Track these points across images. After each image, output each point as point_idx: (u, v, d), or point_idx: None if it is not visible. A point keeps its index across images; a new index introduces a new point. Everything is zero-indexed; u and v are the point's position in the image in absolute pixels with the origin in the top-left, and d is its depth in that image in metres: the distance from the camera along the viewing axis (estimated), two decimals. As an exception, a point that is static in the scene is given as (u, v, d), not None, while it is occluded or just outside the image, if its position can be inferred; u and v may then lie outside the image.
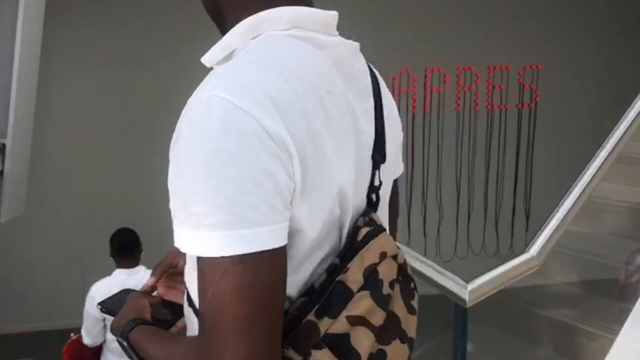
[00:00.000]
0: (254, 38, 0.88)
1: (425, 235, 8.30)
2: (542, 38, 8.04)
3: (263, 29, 0.87)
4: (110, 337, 3.23)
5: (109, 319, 2.47)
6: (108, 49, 6.98)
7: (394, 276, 0.90)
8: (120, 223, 7.47)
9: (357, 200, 0.94)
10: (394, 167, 1.11)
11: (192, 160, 0.77)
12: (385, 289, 0.87)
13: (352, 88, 0.94)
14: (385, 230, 0.94)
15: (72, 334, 3.53)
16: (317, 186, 0.84)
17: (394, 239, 1.10)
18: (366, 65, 1.05)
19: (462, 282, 2.95)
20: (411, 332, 0.94)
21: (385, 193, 1.04)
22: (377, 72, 1.11)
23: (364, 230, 0.90)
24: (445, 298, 3.21)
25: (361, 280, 0.85)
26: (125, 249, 3.59)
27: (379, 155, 0.98)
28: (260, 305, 0.76)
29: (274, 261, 0.78)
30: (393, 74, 7.64)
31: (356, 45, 1.00)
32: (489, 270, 3.43)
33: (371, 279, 0.86)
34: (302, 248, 0.85)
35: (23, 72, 3.59)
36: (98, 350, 3.48)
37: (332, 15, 0.93)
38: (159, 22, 7.04)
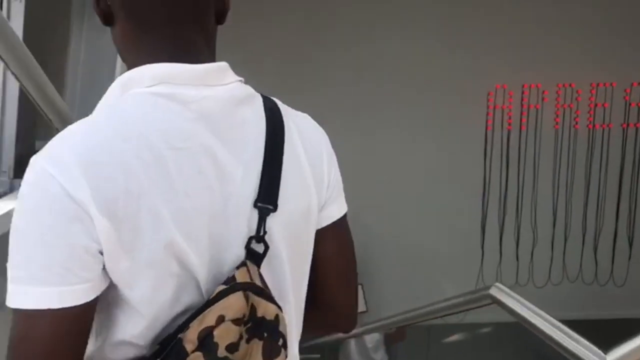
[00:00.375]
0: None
1: (517, 259, 7.94)
2: (653, 53, 7.53)
3: (130, 87, 0.92)
4: None
5: None
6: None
7: (234, 339, 0.86)
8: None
9: (227, 253, 0.94)
10: (310, 214, 1.07)
11: (13, 217, 0.83)
12: (221, 352, 0.85)
13: (226, 139, 0.94)
14: (245, 288, 0.89)
15: None
16: (139, 244, 0.86)
17: (341, 295, 1.19)
18: (260, 112, 1.00)
19: (599, 351, 2.56)
20: None
21: (297, 243, 1.04)
22: (287, 114, 1.05)
23: (219, 288, 0.88)
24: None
25: (196, 341, 0.84)
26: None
27: (266, 203, 0.96)
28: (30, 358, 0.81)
29: (61, 319, 0.82)
30: (488, 89, 7.40)
31: (245, 93, 0.99)
32: (630, 338, 2.95)
33: (207, 341, 0.84)
34: (138, 302, 0.88)
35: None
36: None
37: (211, 68, 0.95)
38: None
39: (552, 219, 7.87)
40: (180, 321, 0.89)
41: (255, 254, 0.96)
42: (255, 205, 0.96)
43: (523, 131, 7.53)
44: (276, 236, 0.99)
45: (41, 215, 0.83)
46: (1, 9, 3.09)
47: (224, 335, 0.85)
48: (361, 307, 6.91)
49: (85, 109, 3.82)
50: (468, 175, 7.66)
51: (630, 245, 8.05)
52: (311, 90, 7.33)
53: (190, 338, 0.84)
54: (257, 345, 0.90)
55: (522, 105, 7.48)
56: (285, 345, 0.92)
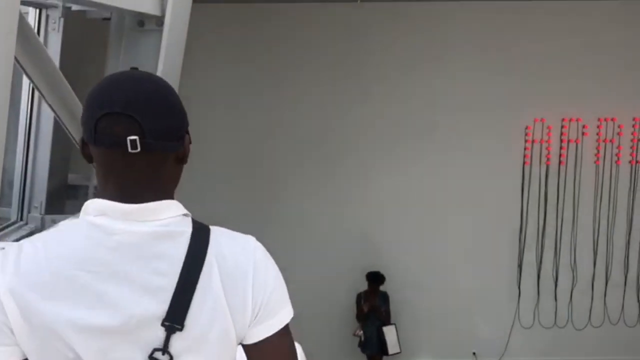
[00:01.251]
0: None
1: (556, 299, 7.60)
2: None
3: (85, 212, 1.18)
4: None
5: None
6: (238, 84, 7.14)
7: None
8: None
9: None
10: (227, 334, 1.18)
11: None
12: None
13: (140, 267, 1.14)
14: None
15: None
16: (40, 334, 1.11)
17: None
18: (182, 246, 1.17)
19: None
20: None
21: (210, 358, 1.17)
22: (218, 245, 1.22)
23: None
24: None
25: None
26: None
27: (173, 323, 1.12)
28: None
29: None
30: (527, 124, 7.18)
31: (173, 229, 1.18)
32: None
33: None
34: None
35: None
36: None
37: (146, 207, 1.16)
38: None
39: (593, 258, 7.54)
40: None
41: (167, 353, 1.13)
42: (162, 324, 1.13)
43: (562, 166, 7.27)
44: (184, 352, 1.14)
45: None
46: (39, 36, 3.02)
47: None
48: (395, 348, 6.65)
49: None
50: (505, 212, 7.41)
51: (675, 287, 7.68)
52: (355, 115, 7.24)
53: None
54: None
55: (561, 140, 7.24)
56: None
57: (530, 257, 7.51)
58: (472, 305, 7.67)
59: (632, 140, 7.25)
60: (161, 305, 1.13)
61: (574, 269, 7.54)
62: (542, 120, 7.16)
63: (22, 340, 1.11)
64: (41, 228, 3.48)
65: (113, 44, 3.29)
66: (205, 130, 7.13)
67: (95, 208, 1.17)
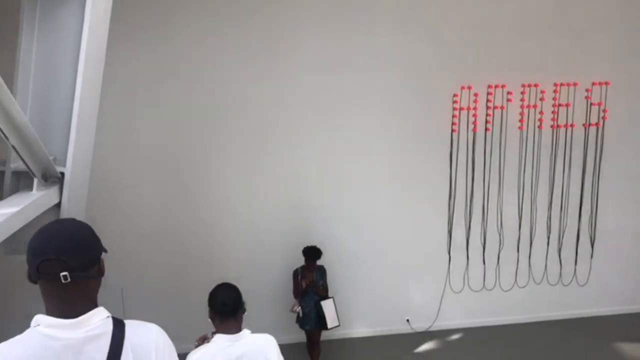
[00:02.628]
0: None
1: (484, 262, 7.80)
2: (611, 53, 7.54)
3: (36, 323, 1.67)
4: None
5: None
6: (157, 67, 6.69)
7: None
8: (164, 254, 7.24)
9: None
10: None
11: None
12: None
13: (80, 356, 1.66)
14: None
15: None
16: None
17: None
18: (106, 342, 1.69)
19: None
20: None
21: None
22: (131, 335, 1.74)
23: None
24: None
25: None
26: (229, 309, 2.85)
27: None
28: None
29: None
30: (454, 91, 7.21)
31: (100, 331, 1.69)
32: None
33: None
34: None
35: (85, 97, 3.25)
36: None
37: (81, 319, 1.67)
38: (208, 38, 6.72)
39: (518, 222, 7.78)
40: None
41: None
42: None
43: (488, 133, 7.39)
44: None
45: None
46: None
47: None
48: (334, 322, 6.57)
49: (41, 109, 3.29)
50: (435, 180, 7.46)
51: (592, 244, 8.07)
52: (281, 85, 6.98)
53: None
54: None
55: (487, 107, 7.33)
56: None
57: (459, 223, 7.64)
58: (404, 275, 7.73)
59: (553, 106, 7.46)
60: None
61: (500, 232, 7.75)
62: (469, 87, 7.21)
63: None
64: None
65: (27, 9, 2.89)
66: (126, 115, 6.68)
67: (45, 323, 1.69)
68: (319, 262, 6.63)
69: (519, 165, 7.57)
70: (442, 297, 7.77)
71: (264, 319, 6.27)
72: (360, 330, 7.63)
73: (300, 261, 6.67)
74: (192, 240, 7.15)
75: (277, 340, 3.00)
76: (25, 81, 3.25)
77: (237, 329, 2.77)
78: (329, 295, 6.66)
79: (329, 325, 6.50)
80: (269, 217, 7.21)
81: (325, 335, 6.76)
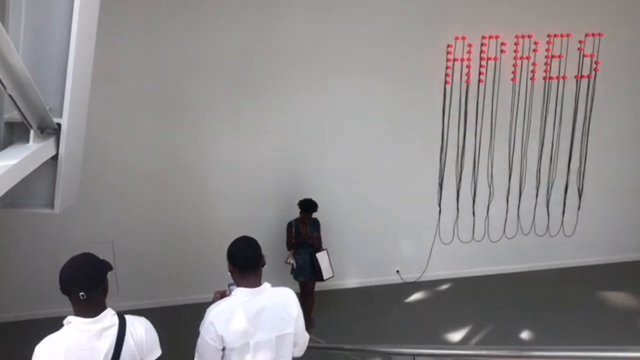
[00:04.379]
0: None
1: (474, 214, 7.87)
2: (605, 5, 7.45)
3: (68, 322, 2.53)
4: None
5: (230, 347, 2.61)
6: (148, 17, 6.47)
7: None
8: (154, 209, 7.17)
9: None
10: None
11: None
12: None
13: (98, 345, 2.50)
14: None
15: None
16: None
17: None
18: (113, 332, 2.55)
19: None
20: None
21: None
22: (131, 326, 2.62)
23: None
24: None
25: None
26: (250, 263, 2.74)
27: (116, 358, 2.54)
28: None
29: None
30: (448, 42, 7.11)
31: (108, 323, 2.54)
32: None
33: None
34: None
35: (80, 45, 3.12)
36: None
37: (99, 317, 2.52)
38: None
39: (508, 173, 7.82)
40: None
41: None
42: None
43: (482, 84, 7.33)
44: None
45: None
46: None
47: None
48: (328, 272, 6.62)
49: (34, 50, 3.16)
50: (427, 132, 7.43)
51: (580, 196, 8.16)
52: (271, 38, 6.82)
53: None
54: None
55: (481, 58, 7.25)
56: None
57: (450, 175, 7.66)
58: (395, 227, 7.79)
59: (546, 57, 7.40)
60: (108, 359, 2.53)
61: (490, 184, 7.80)
62: (463, 38, 7.11)
63: None
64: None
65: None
66: (116, 65, 6.47)
67: (76, 320, 2.51)
68: (314, 215, 6.63)
69: (511, 117, 7.56)
70: (431, 248, 7.86)
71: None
72: (352, 281, 7.72)
73: (294, 214, 6.66)
74: (184, 194, 7.09)
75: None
76: (16, 29, 3.10)
77: (257, 283, 2.73)
78: (323, 247, 6.69)
79: (324, 277, 6.56)
80: (263, 171, 7.15)
81: (318, 286, 6.82)
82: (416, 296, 7.57)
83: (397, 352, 3.24)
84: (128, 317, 2.62)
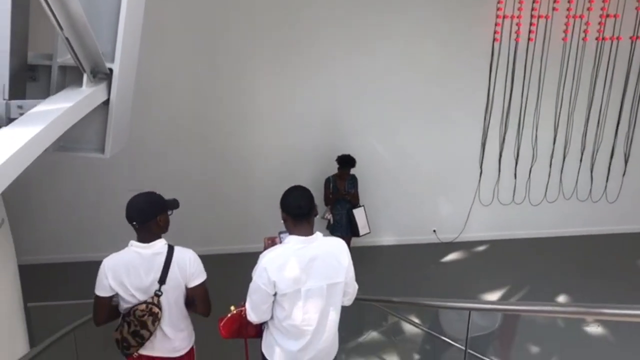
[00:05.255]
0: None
1: (515, 176, 7.75)
2: (668, -40, 7.09)
3: (130, 245, 3.03)
4: (282, 315, 2.69)
5: (282, 293, 2.68)
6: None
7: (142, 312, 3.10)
8: (196, 162, 7.24)
9: (146, 296, 3.04)
10: (181, 286, 3.05)
11: None
12: (137, 314, 3.10)
13: (150, 265, 3.00)
14: (147, 303, 3.02)
15: (232, 308, 2.98)
16: (121, 290, 3.01)
17: (199, 308, 3.11)
18: (162, 256, 3.00)
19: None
20: None
21: (175, 295, 3.06)
22: (177, 252, 3.05)
23: (140, 306, 3.02)
24: None
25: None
26: (304, 211, 2.72)
27: (160, 283, 2.99)
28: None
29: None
30: (498, -2, 6.89)
31: (159, 249, 3.02)
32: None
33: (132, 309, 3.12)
34: None
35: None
36: (261, 327, 2.94)
37: (152, 244, 3.00)
38: None
39: (553, 136, 7.63)
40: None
41: (157, 295, 3.00)
42: (158, 283, 3.00)
43: (531, 43, 7.10)
44: (166, 292, 2.99)
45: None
46: None
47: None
48: (365, 229, 6.64)
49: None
50: (472, 91, 7.28)
51: (626, 162, 7.95)
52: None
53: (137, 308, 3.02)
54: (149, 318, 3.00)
55: (531, 16, 7.00)
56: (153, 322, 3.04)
57: (493, 135, 7.52)
58: (434, 186, 7.73)
59: (601, 16, 7.11)
60: (157, 278, 2.97)
61: (534, 147, 7.64)
62: (514, -7, 6.88)
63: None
64: (4, 116, 3.02)
65: None
66: (159, 17, 6.47)
67: (135, 244, 2.97)
68: (352, 171, 6.62)
69: (559, 78, 7.33)
70: (470, 209, 7.80)
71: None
72: (388, 238, 7.73)
73: (332, 170, 6.66)
74: (224, 147, 7.13)
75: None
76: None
77: (310, 232, 2.74)
78: (360, 203, 6.69)
79: (361, 232, 6.58)
80: (302, 127, 7.13)
81: (354, 241, 6.86)
82: (452, 256, 7.56)
83: (453, 306, 3.11)
84: (176, 247, 3.02)
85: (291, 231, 2.76)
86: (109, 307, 3.04)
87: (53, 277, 6.68)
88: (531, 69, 7.21)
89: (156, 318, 2.96)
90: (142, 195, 3.08)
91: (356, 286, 2.87)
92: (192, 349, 3.28)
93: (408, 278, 6.90)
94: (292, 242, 2.72)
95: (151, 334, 3.02)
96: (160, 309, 2.96)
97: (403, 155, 7.45)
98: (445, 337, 3.41)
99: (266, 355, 2.89)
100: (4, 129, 2.62)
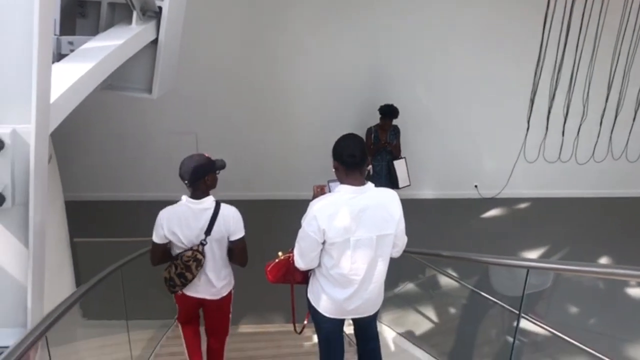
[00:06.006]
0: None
1: (563, 133, 7.52)
2: None
3: (182, 200, 3.30)
4: (329, 263, 2.66)
5: (331, 242, 2.64)
6: None
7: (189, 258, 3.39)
8: (239, 108, 7.21)
9: (196, 241, 3.32)
10: (224, 238, 3.32)
11: None
12: (184, 260, 3.42)
13: (199, 217, 3.27)
14: (193, 249, 3.32)
15: (279, 253, 2.98)
16: (173, 238, 3.31)
17: (237, 259, 3.40)
18: (210, 210, 3.27)
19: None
20: None
21: (220, 244, 3.33)
22: (223, 208, 3.31)
23: (187, 253, 3.31)
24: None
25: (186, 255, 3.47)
26: (357, 160, 2.66)
27: (206, 233, 3.26)
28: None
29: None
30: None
31: (208, 204, 3.27)
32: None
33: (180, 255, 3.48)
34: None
35: None
36: (307, 274, 2.92)
37: (201, 200, 3.26)
38: None
39: (606, 94, 7.34)
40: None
41: (202, 244, 3.28)
42: (204, 234, 3.29)
43: (590, -4, 6.76)
44: (210, 242, 3.28)
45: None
46: None
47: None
48: (405, 181, 6.57)
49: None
50: (524, 43, 7.00)
51: (682, 123, 7.63)
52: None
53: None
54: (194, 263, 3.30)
55: (593, -36, 6.64)
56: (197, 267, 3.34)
57: (543, 91, 7.27)
58: (478, 140, 7.57)
59: (668, -35, 6.71)
60: (204, 229, 3.23)
61: (585, 104, 7.37)
62: (576, -60, 6.51)
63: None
64: (57, 50, 3.02)
65: None
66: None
67: (186, 199, 3.22)
68: (394, 122, 6.51)
69: (617, 34, 6.99)
70: (514, 165, 7.63)
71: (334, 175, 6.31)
72: (428, 192, 7.66)
73: (374, 120, 6.56)
74: (266, 93, 7.08)
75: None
76: None
77: (362, 182, 2.69)
78: (401, 155, 6.60)
79: (400, 185, 6.51)
80: (345, 74, 7.01)
81: (394, 194, 6.80)
82: (493, 212, 7.46)
83: (509, 263, 2.93)
84: (222, 205, 3.27)
85: (342, 180, 2.70)
86: (163, 252, 3.32)
87: (97, 213, 6.84)
88: (588, 23, 6.87)
89: (199, 264, 3.25)
90: (194, 156, 3.30)
91: (405, 239, 2.82)
92: (230, 293, 3.53)
93: (447, 232, 6.85)
94: (344, 192, 2.66)
95: (194, 277, 3.31)
96: (203, 256, 3.25)
97: (448, 108, 7.29)
98: (487, 293, 3.36)
99: (312, 302, 2.90)
100: (56, 65, 2.62)
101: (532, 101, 7.30)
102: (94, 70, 2.59)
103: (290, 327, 3.53)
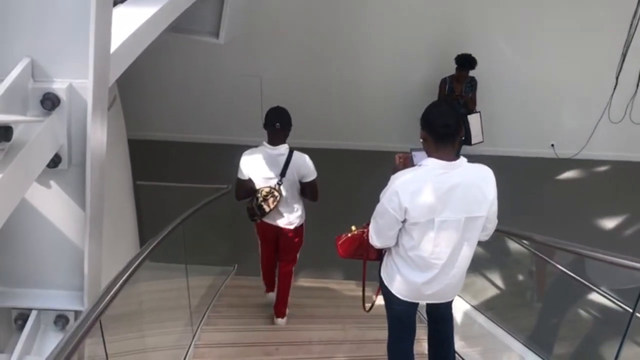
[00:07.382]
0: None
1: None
2: None
3: (263, 145, 3.91)
4: (409, 244, 2.43)
5: (412, 221, 2.40)
6: None
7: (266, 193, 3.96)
8: (307, 52, 6.90)
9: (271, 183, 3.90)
10: (296, 180, 3.89)
11: None
12: (261, 195, 3.99)
13: (278, 161, 3.84)
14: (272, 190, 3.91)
15: (353, 227, 2.75)
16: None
17: (308, 195, 4.01)
18: (286, 154, 3.82)
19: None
20: None
21: (291, 184, 3.90)
22: (295, 156, 3.84)
23: (265, 189, 3.92)
24: None
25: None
26: (450, 131, 2.34)
27: (282, 176, 3.82)
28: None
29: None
30: None
31: (283, 150, 3.81)
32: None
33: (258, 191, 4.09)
34: None
35: None
36: (382, 251, 2.68)
37: (279, 147, 3.81)
38: None
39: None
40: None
41: (279, 184, 3.85)
42: (279, 175, 3.87)
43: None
44: (285, 182, 3.84)
45: None
46: None
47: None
48: (478, 137, 6.21)
49: None
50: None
51: None
52: None
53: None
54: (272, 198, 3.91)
55: None
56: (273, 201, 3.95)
57: (637, 44, 6.62)
58: (559, 95, 7.06)
59: None
60: (279, 171, 3.81)
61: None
62: None
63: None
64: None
65: None
66: None
67: (266, 145, 3.82)
68: (470, 73, 6.09)
69: None
70: (597, 124, 7.08)
71: (402, 128, 6.03)
72: (502, 149, 7.22)
73: (449, 70, 6.15)
74: (336, 39, 6.75)
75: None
76: None
77: (453, 156, 2.37)
78: (476, 109, 6.21)
79: (473, 141, 6.17)
80: (421, 19, 6.57)
81: (464, 149, 6.44)
82: (569, 174, 7.02)
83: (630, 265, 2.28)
84: (295, 152, 3.81)
85: (430, 153, 2.38)
86: (246, 187, 3.87)
87: (160, 154, 6.82)
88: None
89: (275, 199, 3.84)
90: (280, 107, 3.84)
91: (496, 221, 2.53)
92: (302, 225, 4.12)
93: (519, 194, 6.47)
94: (431, 166, 2.34)
95: (271, 209, 3.88)
96: (280, 194, 3.81)
97: (530, 59, 6.78)
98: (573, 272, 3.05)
99: (385, 281, 2.64)
100: (117, 8, 2.41)
101: (624, 55, 6.67)
102: (159, 14, 2.38)
103: (348, 285, 3.41)
